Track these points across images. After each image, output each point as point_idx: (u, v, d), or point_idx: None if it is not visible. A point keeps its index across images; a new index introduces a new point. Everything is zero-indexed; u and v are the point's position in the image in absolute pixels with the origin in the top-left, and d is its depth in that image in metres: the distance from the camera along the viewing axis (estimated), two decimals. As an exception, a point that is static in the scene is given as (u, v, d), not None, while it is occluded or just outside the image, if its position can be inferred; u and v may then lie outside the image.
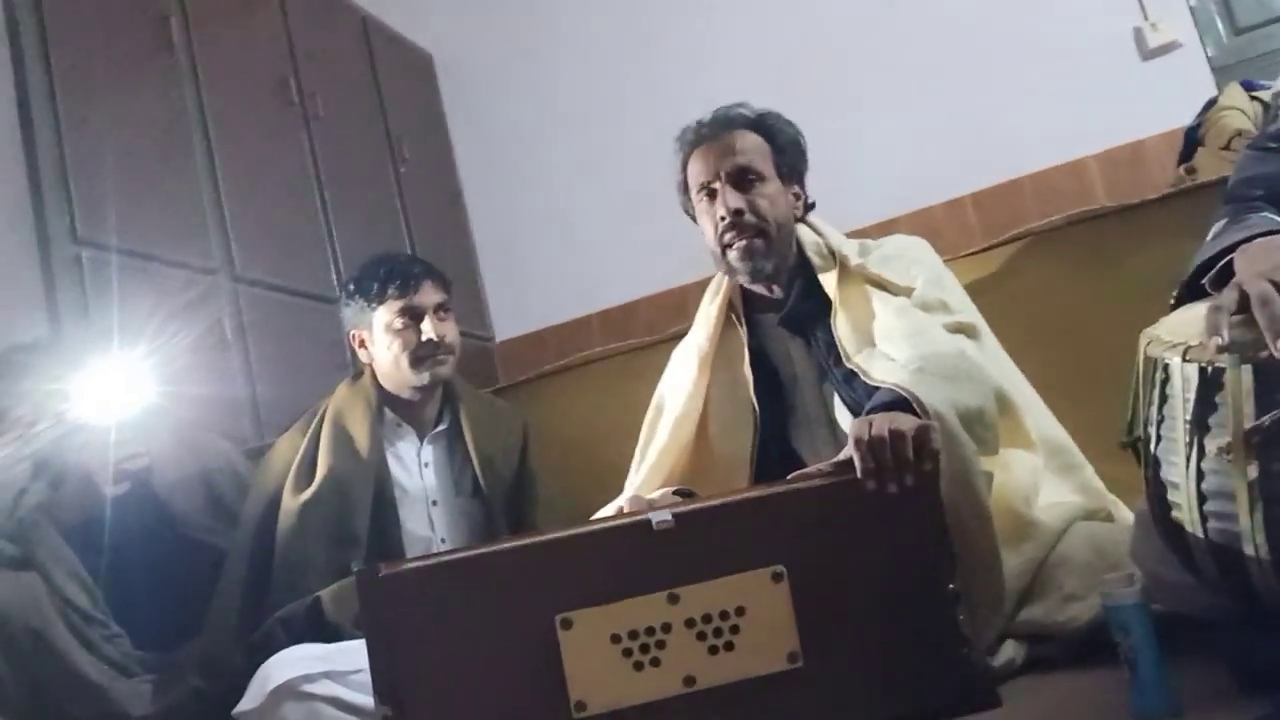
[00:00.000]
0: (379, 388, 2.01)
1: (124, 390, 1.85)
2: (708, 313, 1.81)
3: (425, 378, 1.96)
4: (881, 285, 1.69)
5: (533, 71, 3.93)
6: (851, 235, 1.85)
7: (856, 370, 1.58)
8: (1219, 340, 0.96)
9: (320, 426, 1.97)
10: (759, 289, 1.77)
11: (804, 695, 1.21)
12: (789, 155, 1.76)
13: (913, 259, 1.73)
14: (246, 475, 2.04)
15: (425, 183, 3.76)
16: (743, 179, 1.70)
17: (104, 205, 2.42)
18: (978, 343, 1.65)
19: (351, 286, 2.03)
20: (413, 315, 1.96)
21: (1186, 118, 2.69)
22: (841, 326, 1.64)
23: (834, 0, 3.60)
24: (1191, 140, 2.57)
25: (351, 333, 2.03)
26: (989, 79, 3.38)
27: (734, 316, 1.79)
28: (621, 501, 1.66)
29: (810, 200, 1.81)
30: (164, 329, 2.26)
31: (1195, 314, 1.08)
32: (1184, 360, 0.98)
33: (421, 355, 1.95)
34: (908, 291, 1.67)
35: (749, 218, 1.69)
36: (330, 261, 3.13)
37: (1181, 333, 1.02)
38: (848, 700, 1.22)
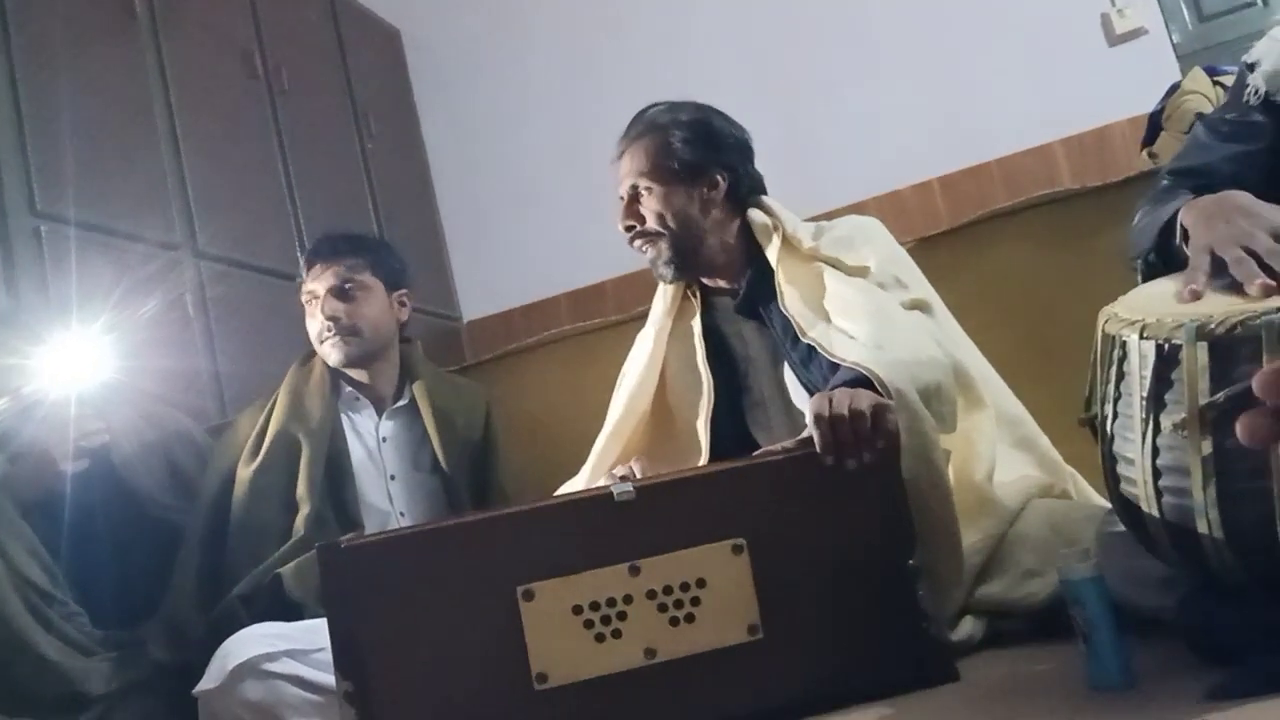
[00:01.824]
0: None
1: (84, 366, 1.82)
2: (663, 290, 1.84)
3: (329, 357, 1.98)
4: (836, 265, 1.70)
5: (502, 49, 3.90)
6: (819, 218, 1.85)
7: (814, 344, 1.58)
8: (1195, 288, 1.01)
9: (276, 401, 1.97)
10: (706, 282, 1.80)
11: (763, 667, 1.22)
12: (692, 152, 1.73)
13: (865, 239, 1.74)
14: (207, 450, 2.03)
15: (392, 160, 3.73)
16: (633, 197, 1.76)
17: (64, 177, 2.38)
18: (932, 319, 1.67)
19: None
20: (313, 296, 1.99)
21: (1152, 103, 2.71)
22: (791, 303, 1.65)
23: (806, -16, 3.60)
24: (1155, 124, 2.59)
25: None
26: (958, 63, 3.39)
27: (689, 292, 1.82)
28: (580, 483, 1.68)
29: (740, 183, 1.77)
30: (125, 304, 2.23)
31: (1153, 291, 1.10)
32: (1141, 337, 0.99)
33: (322, 335, 1.97)
34: (863, 272, 1.68)
35: (640, 231, 1.75)
36: (295, 237, 3.09)
37: (1139, 310, 1.03)
38: (807, 672, 1.23)
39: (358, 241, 2.10)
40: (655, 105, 1.80)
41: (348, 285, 1.99)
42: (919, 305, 1.66)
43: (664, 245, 1.73)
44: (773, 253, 1.71)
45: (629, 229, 1.76)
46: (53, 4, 2.50)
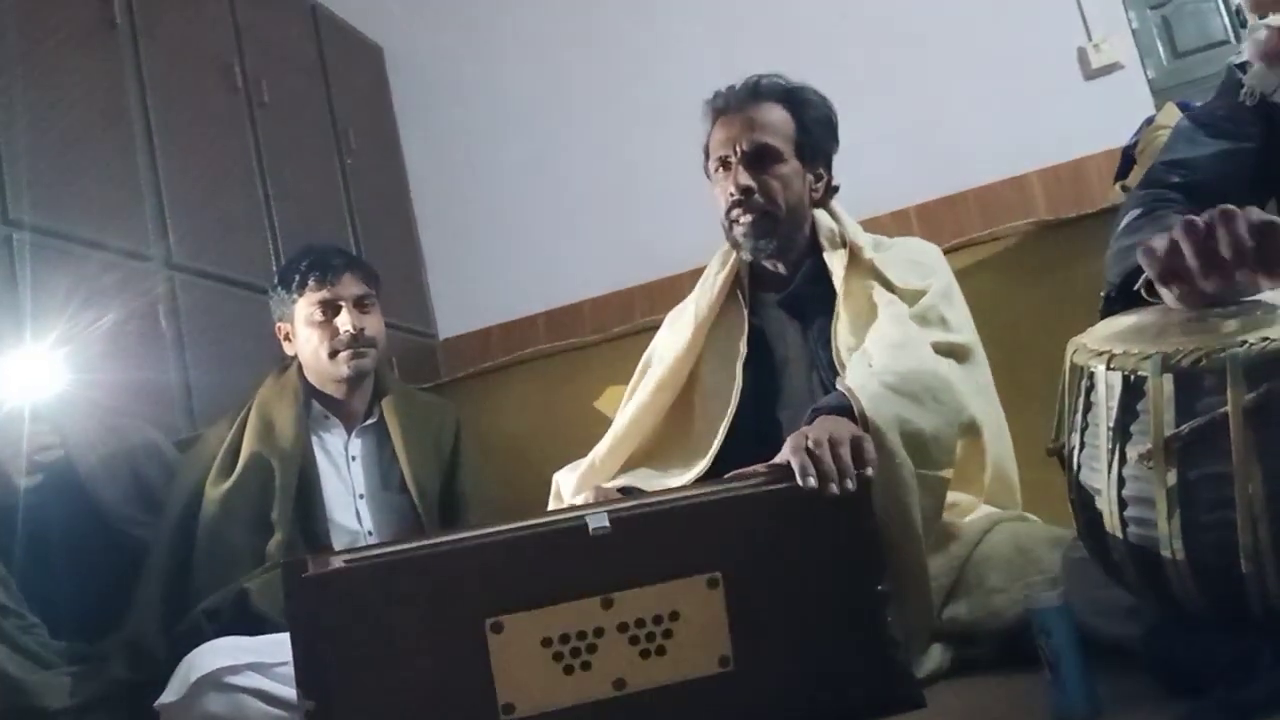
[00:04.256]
0: (305, 380, 1.99)
1: (49, 378, 1.80)
2: (713, 281, 1.78)
3: (344, 370, 1.95)
4: (889, 285, 1.67)
5: (484, 67, 3.91)
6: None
7: (843, 367, 1.57)
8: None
9: (246, 418, 1.95)
10: (766, 265, 1.75)
11: (732, 698, 1.21)
12: (814, 135, 1.73)
13: (929, 267, 1.73)
14: (173, 461, 2.01)
15: (371, 176, 3.72)
16: (758, 158, 1.68)
17: (36, 186, 2.36)
18: (966, 367, 1.63)
19: (276, 278, 2.03)
20: (331, 307, 1.95)
21: (1127, 137, 2.74)
22: (842, 319, 1.63)
23: (785, 10, 3.63)
24: (1128, 158, 2.62)
25: (277, 325, 2.02)
26: (937, 94, 3.43)
27: (739, 291, 1.77)
28: (583, 490, 1.66)
29: (835, 183, 1.78)
30: (96, 315, 2.21)
31: (1121, 324, 1.10)
32: (1108, 368, 1.00)
33: (338, 348, 1.94)
34: (916, 297, 1.65)
35: (758, 198, 1.67)
36: (271, 252, 3.08)
37: (1107, 341, 1.03)
38: (775, 702, 1.22)
39: (358, 258, 2.10)
40: (774, 75, 1.74)
41: (369, 298, 1.99)
42: (955, 351, 1.62)
43: (768, 223, 1.67)
44: (839, 264, 1.68)
45: (745, 190, 1.65)
46: (31, 11, 2.49)
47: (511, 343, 3.45)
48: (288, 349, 2.02)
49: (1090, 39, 3.36)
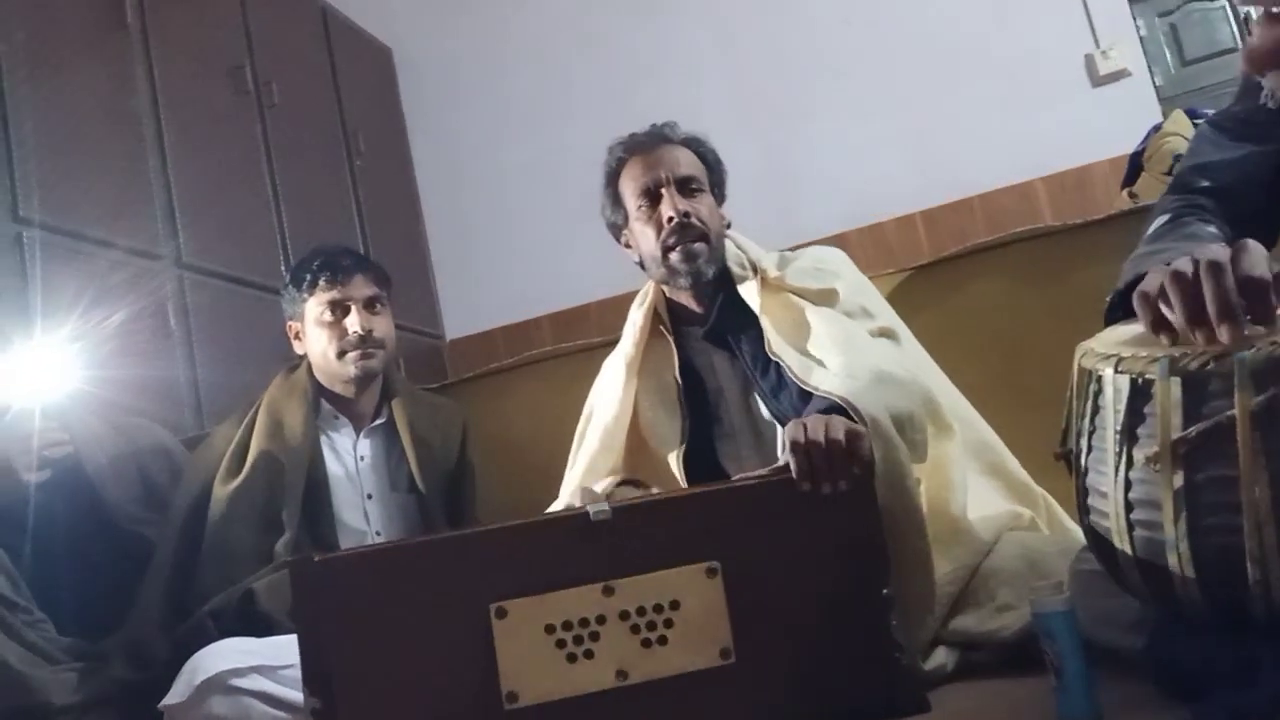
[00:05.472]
0: (314, 380, 2.00)
1: (59, 375, 1.81)
2: (634, 321, 1.82)
3: (351, 370, 1.95)
4: (803, 295, 1.71)
5: (493, 70, 3.93)
6: (797, 248, 1.87)
7: (780, 363, 1.60)
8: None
9: (255, 416, 1.96)
10: (684, 301, 1.78)
11: (734, 692, 1.22)
12: (717, 174, 1.80)
13: (831, 271, 1.76)
14: (181, 461, 2.01)
15: (380, 177, 3.73)
16: (686, 186, 1.73)
17: (47, 185, 2.37)
18: (900, 346, 1.68)
19: (288, 278, 2.04)
20: (340, 307, 1.96)
21: (1133, 145, 2.75)
22: (768, 328, 1.66)
23: (791, 15, 3.64)
24: (1136, 165, 2.63)
25: (288, 324, 2.03)
26: (943, 100, 3.43)
27: (661, 326, 1.80)
28: (570, 500, 1.67)
29: (728, 221, 1.83)
30: (106, 314, 2.22)
31: (1130, 329, 1.10)
32: (1116, 371, 1.00)
33: (346, 348, 1.94)
34: (830, 297, 1.69)
35: (695, 221, 1.71)
36: (280, 252, 3.09)
37: (1115, 345, 1.03)
38: (777, 699, 1.23)
39: (369, 260, 2.11)
40: (668, 125, 1.80)
41: (379, 300, 2.00)
42: (886, 333, 1.67)
43: (706, 246, 1.71)
44: (753, 290, 1.72)
45: (685, 215, 1.70)
46: (42, 12, 2.50)
47: (517, 344, 3.46)
48: (298, 348, 2.03)
49: (1098, 46, 3.36)
